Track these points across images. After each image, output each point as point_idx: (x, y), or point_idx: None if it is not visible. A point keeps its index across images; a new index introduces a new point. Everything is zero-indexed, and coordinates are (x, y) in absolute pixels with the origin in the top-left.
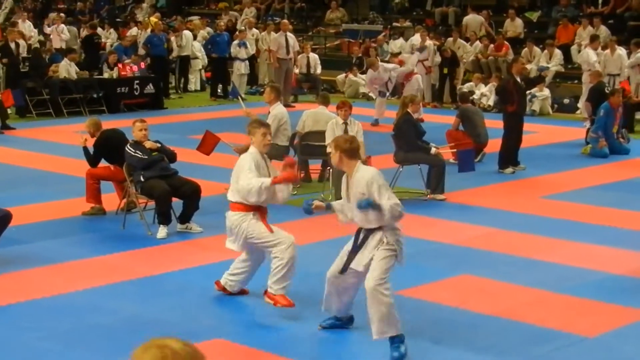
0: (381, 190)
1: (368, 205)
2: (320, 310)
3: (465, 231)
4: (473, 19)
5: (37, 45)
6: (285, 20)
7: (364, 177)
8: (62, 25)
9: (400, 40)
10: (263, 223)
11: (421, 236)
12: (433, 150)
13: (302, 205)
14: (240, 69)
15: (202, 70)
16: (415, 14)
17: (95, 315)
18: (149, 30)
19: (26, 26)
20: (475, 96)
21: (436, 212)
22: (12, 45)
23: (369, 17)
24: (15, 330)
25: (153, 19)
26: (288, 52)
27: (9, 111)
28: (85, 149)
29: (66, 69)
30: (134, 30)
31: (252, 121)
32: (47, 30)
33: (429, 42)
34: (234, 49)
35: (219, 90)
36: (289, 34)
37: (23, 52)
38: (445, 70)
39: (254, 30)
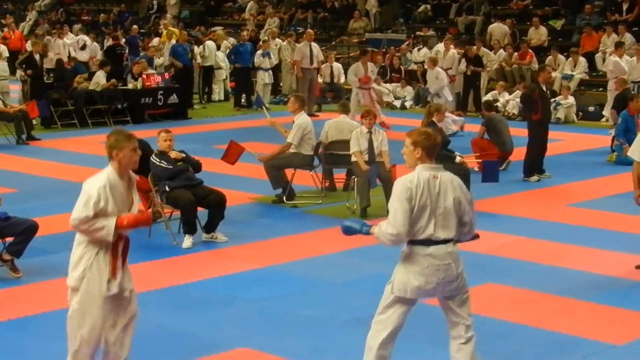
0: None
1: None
2: (346, 318)
3: (491, 239)
4: (498, 28)
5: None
6: (310, 30)
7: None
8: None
9: (424, 50)
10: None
11: None
12: (458, 158)
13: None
14: (264, 78)
15: (227, 80)
16: (439, 23)
17: None
18: (173, 40)
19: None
20: (499, 104)
21: None
22: (37, 57)
23: (393, 26)
24: (43, 340)
25: (171, 30)
26: (312, 62)
27: (34, 122)
28: None
29: (101, 80)
30: (155, 41)
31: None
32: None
33: (452, 52)
34: (258, 59)
35: (242, 100)
36: (313, 43)
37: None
38: (469, 72)
39: (277, 40)
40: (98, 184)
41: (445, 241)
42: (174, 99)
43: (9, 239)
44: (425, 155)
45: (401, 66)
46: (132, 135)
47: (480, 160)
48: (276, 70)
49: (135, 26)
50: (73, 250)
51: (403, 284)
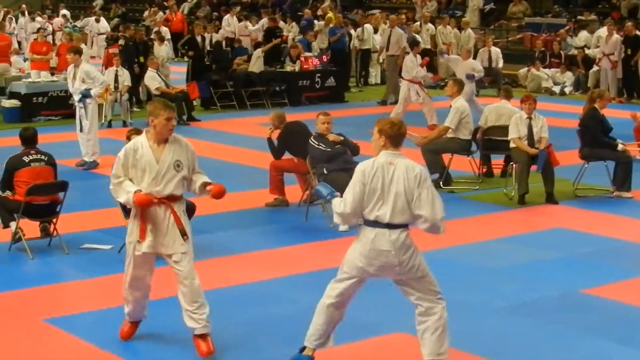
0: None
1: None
2: (500, 305)
3: None
4: None
5: (220, 39)
6: (393, 16)
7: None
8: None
9: (585, 34)
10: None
11: (607, 234)
12: (620, 146)
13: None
14: None
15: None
16: (601, 7)
17: (277, 305)
18: (330, 24)
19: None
20: None
21: (622, 210)
22: (198, 39)
23: (553, 10)
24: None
25: (330, 14)
26: (388, 49)
27: (194, 103)
28: (269, 141)
29: (260, 61)
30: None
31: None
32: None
33: (615, 36)
34: None
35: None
36: (395, 29)
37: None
38: (629, 51)
39: (429, 25)
40: (127, 146)
41: (390, 226)
42: (331, 81)
43: None
44: (388, 143)
45: (561, 51)
46: (170, 105)
47: None
48: (431, 54)
49: (307, 9)
50: None
51: (350, 262)
